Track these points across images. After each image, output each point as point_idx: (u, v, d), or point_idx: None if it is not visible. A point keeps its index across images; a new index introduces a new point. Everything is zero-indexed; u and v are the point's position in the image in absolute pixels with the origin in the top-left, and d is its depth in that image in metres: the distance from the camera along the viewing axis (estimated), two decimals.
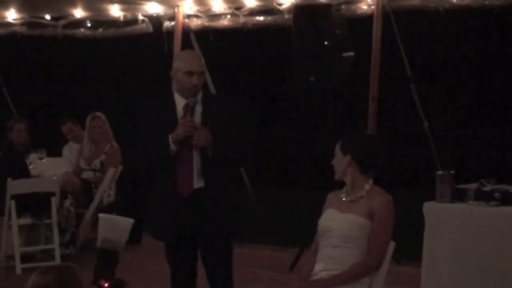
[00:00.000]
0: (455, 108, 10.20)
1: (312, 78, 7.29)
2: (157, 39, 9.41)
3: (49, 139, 9.30)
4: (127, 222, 4.57)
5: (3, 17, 10.31)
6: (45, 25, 10.22)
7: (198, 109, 4.72)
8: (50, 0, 9.54)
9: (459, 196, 5.48)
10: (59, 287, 2.77)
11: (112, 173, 8.18)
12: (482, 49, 9.81)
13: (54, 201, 7.61)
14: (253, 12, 8.71)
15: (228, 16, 8.90)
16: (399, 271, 6.70)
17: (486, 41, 9.75)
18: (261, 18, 8.69)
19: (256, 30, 8.81)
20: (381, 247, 4.24)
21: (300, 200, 9.51)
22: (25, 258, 7.52)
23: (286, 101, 11.52)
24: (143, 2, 9.18)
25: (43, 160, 8.78)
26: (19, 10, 10.08)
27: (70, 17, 9.95)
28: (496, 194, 5.33)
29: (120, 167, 8.30)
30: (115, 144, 8.43)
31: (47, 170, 8.52)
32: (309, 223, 4.83)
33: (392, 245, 4.33)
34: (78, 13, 9.83)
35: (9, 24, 10.38)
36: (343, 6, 7.78)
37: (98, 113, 8.46)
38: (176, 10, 9.20)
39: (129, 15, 9.58)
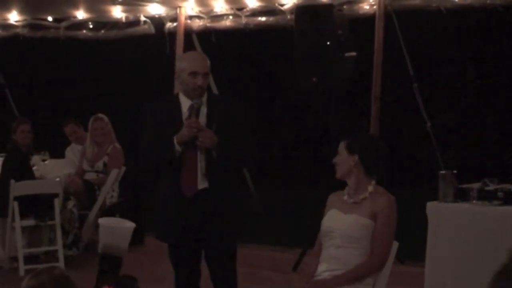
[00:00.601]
0: (458, 108, 10.20)
1: (314, 78, 7.29)
2: (159, 40, 9.40)
3: (52, 141, 9.31)
4: (129, 227, 4.53)
5: (5, 19, 10.32)
6: (47, 27, 10.22)
7: (203, 110, 4.72)
8: (52, 2, 9.53)
9: (462, 196, 5.48)
10: (55, 285, 2.78)
11: (115, 174, 8.18)
12: (485, 48, 9.81)
13: (57, 202, 7.61)
14: (255, 13, 8.71)
15: (230, 17, 8.89)
16: (403, 271, 6.68)
17: (488, 40, 9.75)
18: (263, 18, 8.68)
19: (258, 30, 8.80)
20: (384, 247, 4.23)
21: (301, 201, 9.52)
22: (28, 259, 7.52)
23: (288, 101, 11.53)
24: (145, 3, 9.17)
25: (46, 162, 8.80)
26: (21, 12, 10.08)
27: (72, 19, 9.95)
28: (499, 194, 5.33)
29: (123, 169, 8.30)
30: (117, 145, 8.43)
31: (50, 171, 8.52)
32: (310, 223, 4.82)
33: (395, 245, 4.32)
34: (80, 14, 9.83)
35: (11, 26, 10.38)
36: (345, 6, 7.77)
37: (100, 115, 8.46)
38: (178, 11, 9.20)
39: (131, 17, 9.57)
